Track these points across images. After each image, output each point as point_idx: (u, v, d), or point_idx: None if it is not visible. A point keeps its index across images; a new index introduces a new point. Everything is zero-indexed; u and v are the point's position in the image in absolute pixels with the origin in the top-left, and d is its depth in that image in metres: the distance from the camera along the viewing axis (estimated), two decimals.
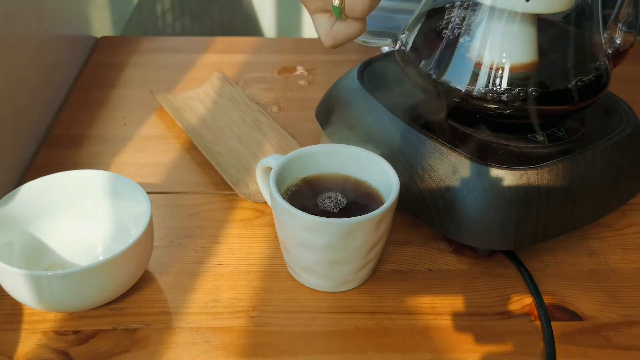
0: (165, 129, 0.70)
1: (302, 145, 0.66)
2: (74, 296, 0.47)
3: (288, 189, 0.51)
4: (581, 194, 0.52)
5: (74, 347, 0.47)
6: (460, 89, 0.51)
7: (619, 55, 0.54)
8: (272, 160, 0.51)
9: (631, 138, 0.55)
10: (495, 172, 0.50)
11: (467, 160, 0.51)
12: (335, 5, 0.46)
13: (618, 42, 0.54)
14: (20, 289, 0.46)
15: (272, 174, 0.49)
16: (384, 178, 0.51)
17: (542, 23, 0.51)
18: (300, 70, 0.82)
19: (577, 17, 0.52)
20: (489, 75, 0.51)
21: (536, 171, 0.50)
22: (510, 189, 0.50)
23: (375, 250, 0.49)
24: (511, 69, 0.50)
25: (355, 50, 0.80)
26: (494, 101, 0.50)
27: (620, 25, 0.53)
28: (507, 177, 0.50)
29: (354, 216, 0.46)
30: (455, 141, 0.52)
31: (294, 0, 1.53)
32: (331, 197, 0.51)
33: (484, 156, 0.51)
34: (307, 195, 0.51)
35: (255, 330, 0.49)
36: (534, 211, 0.50)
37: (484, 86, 0.51)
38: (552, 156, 0.51)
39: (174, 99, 0.73)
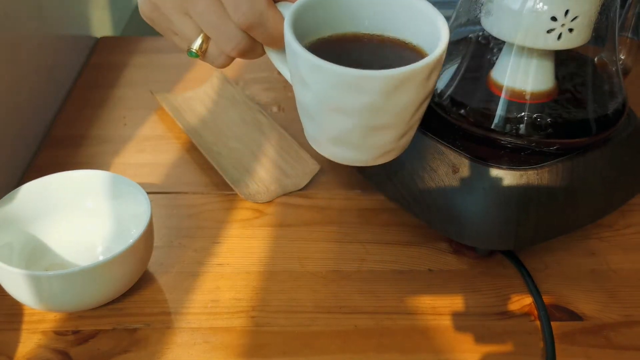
0: (165, 129, 0.70)
1: (303, 145, 0.66)
2: (74, 296, 0.47)
3: (307, 46, 0.39)
4: (581, 194, 0.52)
5: (74, 347, 0.47)
6: (478, 119, 0.52)
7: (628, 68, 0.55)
8: (284, 9, 0.39)
9: (631, 138, 0.55)
10: (496, 172, 0.50)
11: (467, 161, 0.51)
12: (192, 51, 0.40)
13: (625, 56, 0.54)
14: (20, 289, 0.46)
15: (288, 19, 0.38)
16: (426, 30, 0.40)
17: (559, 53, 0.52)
18: None
19: (595, 43, 0.52)
20: (507, 105, 0.51)
21: (536, 171, 0.50)
22: (511, 189, 0.50)
23: (421, 110, 0.39)
24: (530, 98, 0.51)
25: None
26: (510, 134, 0.51)
27: (628, 34, 0.54)
28: (507, 177, 0.50)
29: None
30: (455, 141, 0.52)
31: None
32: (363, 55, 0.41)
33: (484, 156, 0.51)
34: (332, 53, 0.39)
35: (255, 331, 0.49)
36: (534, 211, 0.50)
37: (502, 117, 0.51)
38: (552, 156, 0.51)
39: (174, 99, 0.73)
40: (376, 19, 0.41)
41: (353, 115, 0.37)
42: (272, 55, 0.41)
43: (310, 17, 0.39)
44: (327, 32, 0.41)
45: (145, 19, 0.41)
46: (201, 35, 0.40)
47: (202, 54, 0.40)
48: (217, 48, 0.40)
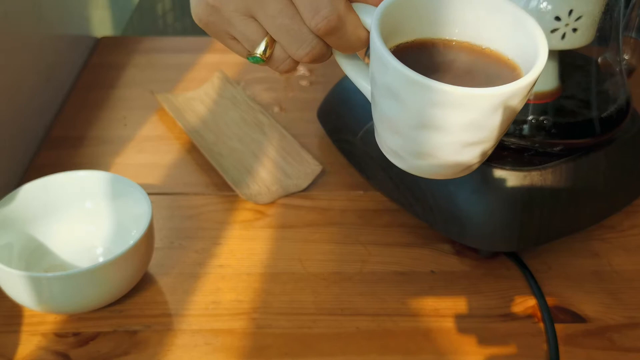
0: (166, 129, 0.70)
1: (305, 146, 0.66)
2: (74, 298, 0.46)
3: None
4: (584, 195, 0.52)
5: (74, 349, 0.47)
6: None
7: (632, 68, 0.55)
8: (363, 12, 0.36)
9: (635, 139, 0.55)
10: (499, 173, 0.50)
11: None
12: (257, 56, 0.37)
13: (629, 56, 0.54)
14: (20, 291, 0.45)
15: (376, 24, 0.34)
16: (521, 41, 0.37)
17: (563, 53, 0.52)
18: (301, 70, 0.81)
19: (599, 42, 0.52)
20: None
21: (539, 172, 0.50)
22: (514, 190, 0.49)
23: (510, 122, 0.37)
24: (533, 99, 0.51)
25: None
26: (514, 135, 0.50)
27: (632, 33, 0.53)
28: (511, 178, 0.49)
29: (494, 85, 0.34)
30: None
31: None
32: (450, 67, 0.37)
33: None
34: (417, 62, 0.36)
35: (256, 333, 0.48)
36: (537, 212, 0.50)
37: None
38: (555, 157, 0.51)
39: (174, 100, 0.73)
40: (467, 25, 0.37)
41: (448, 132, 0.35)
42: (342, 61, 0.39)
43: (394, 19, 0.36)
44: (409, 37, 0.37)
45: (198, 22, 0.38)
46: (265, 39, 0.37)
47: (267, 59, 0.37)
48: (284, 53, 0.37)
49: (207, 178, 0.63)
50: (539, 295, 0.51)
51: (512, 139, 0.50)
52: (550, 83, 0.51)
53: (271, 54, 0.37)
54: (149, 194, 0.51)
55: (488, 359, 0.47)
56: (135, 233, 0.50)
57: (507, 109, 0.34)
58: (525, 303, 0.51)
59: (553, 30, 0.47)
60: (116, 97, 0.76)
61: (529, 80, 0.34)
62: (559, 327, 0.49)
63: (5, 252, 0.49)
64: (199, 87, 0.76)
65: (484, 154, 0.37)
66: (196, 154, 0.66)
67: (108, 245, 0.53)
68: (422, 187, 0.52)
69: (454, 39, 0.38)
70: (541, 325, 0.49)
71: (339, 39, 0.35)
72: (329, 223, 0.58)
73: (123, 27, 1.11)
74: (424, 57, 0.37)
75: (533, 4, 0.46)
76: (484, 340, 0.48)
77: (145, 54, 0.85)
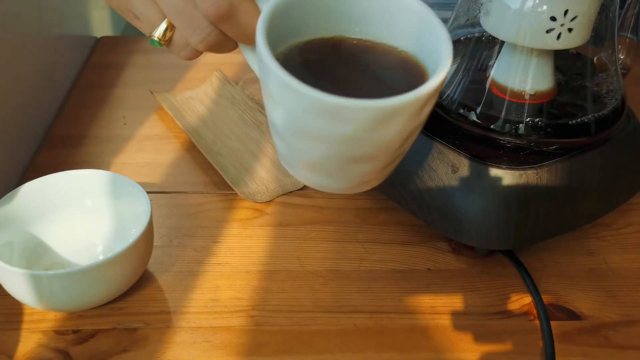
0: (165, 128, 0.70)
1: None
2: (74, 296, 0.47)
3: (283, 53, 0.34)
4: (580, 193, 0.52)
5: (74, 346, 0.47)
6: (477, 119, 0.52)
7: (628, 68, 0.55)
8: (262, 2, 0.34)
9: (630, 138, 0.55)
10: (495, 171, 0.50)
11: (466, 160, 0.51)
12: (154, 39, 0.36)
13: (625, 56, 0.54)
14: (20, 289, 0.46)
15: (263, 17, 0.32)
16: (428, 41, 0.34)
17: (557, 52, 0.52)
18: None
19: (594, 42, 0.52)
20: (506, 105, 0.51)
21: (535, 171, 0.50)
22: (510, 188, 0.50)
23: (409, 141, 0.34)
24: (529, 98, 0.51)
25: None
26: (510, 134, 0.51)
27: (627, 33, 0.54)
28: (507, 176, 0.50)
29: (388, 95, 0.30)
30: (455, 141, 0.52)
31: None
32: (349, 69, 0.35)
33: (483, 156, 0.51)
34: (313, 62, 0.35)
35: (254, 330, 0.49)
36: (533, 211, 0.50)
37: (501, 117, 0.51)
38: (551, 156, 0.52)
39: (173, 99, 0.73)
40: (369, 22, 0.35)
41: (328, 144, 0.32)
42: (247, 53, 0.36)
43: (293, 14, 0.33)
44: (310, 34, 0.35)
45: (106, 1, 0.38)
46: (165, 21, 0.35)
47: (166, 42, 0.36)
48: (184, 38, 0.35)
49: (206, 177, 0.64)
50: (535, 293, 0.51)
51: (508, 138, 0.51)
52: (546, 83, 0.51)
53: (171, 38, 0.36)
54: (148, 192, 0.51)
55: (484, 356, 0.47)
56: (135, 231, 0.50)
57: (393, 125, 0.31)
58: (521, 301, 0.52)
59: (548, 31, 0.47)
60: (116, 96, 0.76)
61: (416, 95, 0.30)
62: (554, 325, 0.49)
63: (6, 251, 0.49)
64: (198, 87, 0.76)
65: (379, 170, 0.34)
66: (195, 153, 0.66)
67: (108, 244, 0.54)
68: (419, 185, 0.53)
69: (356, 37, 0.35)
70: (537, 322, 0.50)
71: (233, 28, 0.34)
72: (327, 221, 0.59)
73: (123, 27, 1.11)
74: (322, 56, 0.34)
75: (529, 4, 0.47)
76: (480, 337, 0.49)
77: (145, 54, 0.85)
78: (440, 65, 0.31)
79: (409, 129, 0.32)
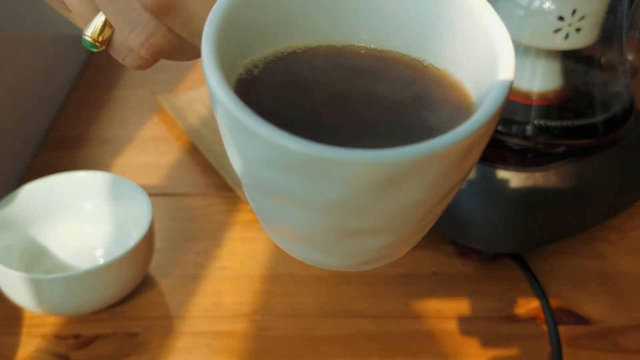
0: (167, 130, 0.70)
1: None
2: (75, 300, 0.46)
3: (252, 68, 0.23)
4: (588, 195, 0.51)
5: (74, 351, 0.47)
6: None
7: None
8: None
9: (639, 140, 0.55)
10: (502, 173, 0.49)
11: None
12: (87, 38, 0.27)
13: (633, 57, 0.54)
14: (20, 292, 0.45)
15: (216, 15, 0.21)
16: (477, 55, 0.22)
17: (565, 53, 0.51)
18: None
19: (602, 43, 0.52)
20: (513, 106, 0.51)
21: (543, 173, 0.49)
22: (517, 190, 0.49)
23: (442, 205, 0.23)
24: (536, 99, 0.50)
25: None
26: (517, 135, 0.50)
27: (636, 34, 0.53)
28: (514, 178, 0.49)
29: (400, 143, 0.19)
30: None
31: None
32: (346, 99, 0.23)
33: (490, 158, 0.50)
34: (288, 88, 0.23)
35: (257, 335, 0.48)
36: (540, 213, 0.50)
37: (508, 118, 0.50)
38: (558, 158, 0.51)
39: (175, 100, 0.73)
40: (382, 24, 0.23)
41: (311, 212, 0.21)
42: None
43: (267, 8, 0.23)
44: (294, 40, 0.24)
45: None
46: (100, 14, 0.26)
47: (102, 44, 0.27)
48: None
49: (208, 179, 0.63)
50: (542, 297, 0.51)
51: (515, 140, 0.50)
52: (553, 84, 0.51)
53: (108, 39, 0.27)
54: (149, 195, 0.51)
55: None
56: (136, 234, 0.50)
57: (418, 184, 0.20)
58: (529, 305, 0.51)
59: (556, 30, 0.46)
60: (117, 97, 0.76)
61: (461, 137, 0.19)
62: (562, 329, 0.49)
63: (6, 254, 0.49)
64: (200, 88, 0.76)
65: (394, 246, 0.24)
66: (197, 154, 0.66)
67: (108, 247, 0.53)
68: None
69: (370, 46, 0.24)
70: (544, 327, 0.49)
71: (183, 24, 0.24)
72: None
73: None
74: (307, 77, 0.23)
75: (536, 4, 0.46)
76: (486, 342, 0.48)
77: None
78: (496, 86, 0.20)
79: (440, 190, 0.21)
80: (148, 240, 0.48)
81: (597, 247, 0.56)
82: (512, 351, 0.47)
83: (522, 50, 0.50)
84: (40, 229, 0.52)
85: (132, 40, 0.25)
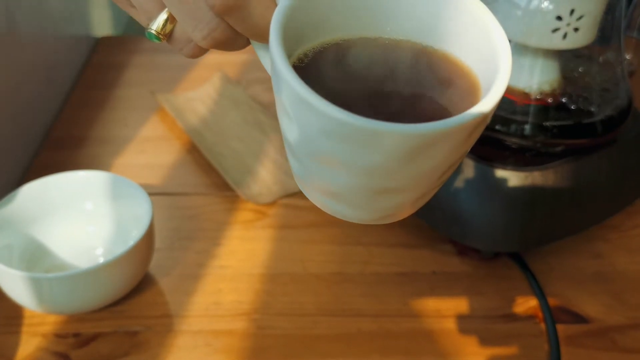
0: (167, 129, 0.70)
1: None
2: (75, 298, 0.46)
3: (303, 57, 0.29)
4: (587, 195, 0.52)
5: (75, 350, 0.47)
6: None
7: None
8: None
9: (637, 139, 0.55)
10: (500, 173, 0.49)
11: (471, 162, 0.50)
12: (151, 32, 0.30)
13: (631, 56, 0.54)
14: (20, 291, 0.45)
15: (278, 16, 0.27)
16: (480, 48, 0.28)
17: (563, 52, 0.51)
18: None
19: (600, 42, 0.52)
20: (511, 106, 0.51)
21: (541, 172, 0.49)
22: (515, 190, 0.49)
23: (452, 169, 0.28)
24: (535, 99, 0.51)
25: None
26: (515, 135, 0.50)
27: (634, 33, 0.53)
28: (512, 178, 0.49)
29: (427, 119, 0.25)
30: None
31: None
32: (382, 81, 0.29)
33: (488, 157, 0.50)
34: (339, 70, 0.29)
35: (257, 334, 0.48)
36: (539, 212, 0.50)
37: (507, 117, 0.50)
38: (557, 157, 0.51)
39: (175, 100, 0.73)
40: (410, 20, 0.29)
41: (353, 173, 0.26)
42: (260, 51, 0.30)
43: (318, 8, 0.28)
44: (339, 34, 0.29)
45: None
46: (165, 11, 0.29)
47: (165, 37, 0.30)
48: (186, 33, 0.30)
49: (207, 178, 0.63)
50: (541, 295, 0.51)
51: (513, 139, 0.50)
52: (552, 83, 0.51)
53: (170, 32, 0.30)
54: (149, 194, 0.51)
55: (490, 359, 0.47)
56: (136, 234, 0.50)
57: (437, 153, 0.25)
58: (527, 304, 0.51)
59: (554, 30, 0.47)
60: (116, 97, 0.76)
61: (466, 119, 0.24)
62: (560, 328, 0.49)
63: (6, 253, 0.49)
64: (200, 87, 0.76)
65: (412, 202, 0.29)
66: (197, 154, 0.66)
67: (108, 246, 0.53)
68: None
69: (399, 37, 0.29)
70: (543, 325, 0.49)
71: (243, 22, 0.28)
72: (330, 224, 0.58)
73: (123, 27, 1.11)
74: (351, 62, 0.29)
75: (535, 3, 0.46)
76: (485, 341, 0.48)
77: (146, 54, 0.85)
78: (499, 77, 0.25)
79: (453, 158, 0.26)
80: (148, 239, 0.48)
81: (596, 246, 0.56)
82: (511, 350, 0.48)
83: (520, 49, 0.50)
84: (40, 228, 0.52)
85: (197, 33, 0.29)
